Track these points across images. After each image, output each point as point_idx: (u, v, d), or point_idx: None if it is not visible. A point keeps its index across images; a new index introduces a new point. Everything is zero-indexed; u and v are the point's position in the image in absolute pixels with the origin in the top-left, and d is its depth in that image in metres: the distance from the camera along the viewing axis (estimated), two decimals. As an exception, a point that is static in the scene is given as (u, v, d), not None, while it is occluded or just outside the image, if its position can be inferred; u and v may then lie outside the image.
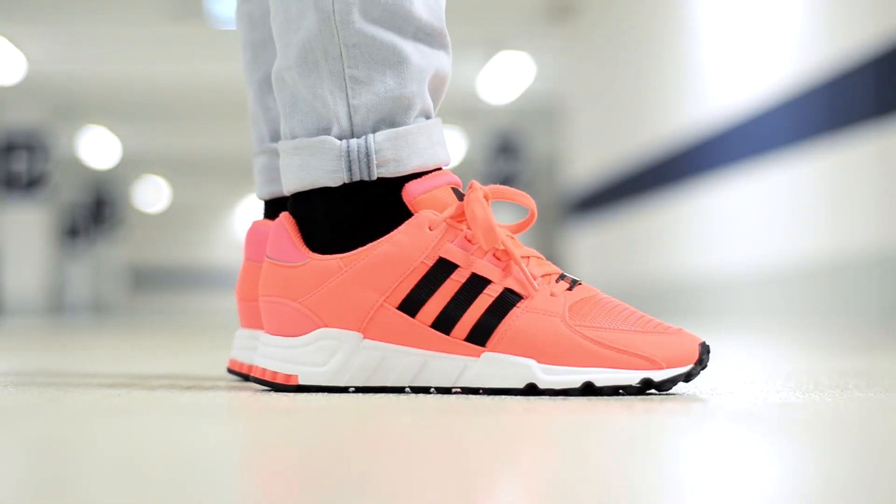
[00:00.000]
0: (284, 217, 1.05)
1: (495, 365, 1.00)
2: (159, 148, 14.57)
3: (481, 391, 1.01)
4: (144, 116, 12.38)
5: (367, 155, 1.03)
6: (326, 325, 1.02)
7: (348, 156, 1.03)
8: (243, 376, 1.18)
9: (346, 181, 1.03)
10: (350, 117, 1.04)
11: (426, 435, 0.68)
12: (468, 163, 16.20)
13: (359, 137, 1.03)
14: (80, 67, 10.07)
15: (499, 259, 1.03)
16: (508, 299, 1.01)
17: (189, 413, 0.82)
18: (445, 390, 1.01)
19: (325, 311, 1.02)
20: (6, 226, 11.35)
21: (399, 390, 1.02)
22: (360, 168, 1.03)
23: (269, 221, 1.20)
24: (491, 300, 1.01)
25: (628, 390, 0.98)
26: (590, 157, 7.91)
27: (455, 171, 19.42)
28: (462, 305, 1.01)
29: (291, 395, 0.99)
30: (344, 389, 1.02)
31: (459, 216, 1.03)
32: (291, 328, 1.02)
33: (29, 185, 11.28)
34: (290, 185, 1.05)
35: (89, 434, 0.68)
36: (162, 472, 0.51)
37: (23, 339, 2.92)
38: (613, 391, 0.98)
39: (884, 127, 4.13)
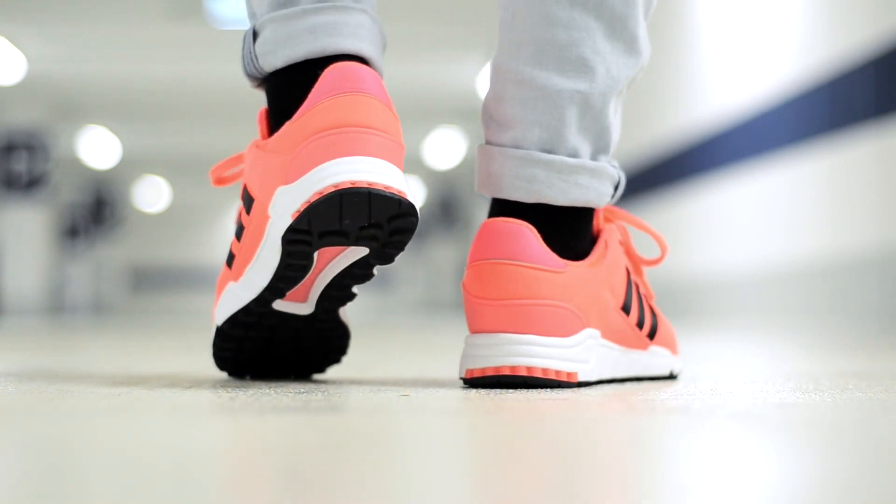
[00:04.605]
0: (528, 227, 1.08)
1: (656, 358, 1.17)
2: (159, 148, 14.56)
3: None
4: (144, 116, 12.38)
5: (622, 183, 1.13)
6: (588, 326, 1.08)
7: (618, 182, 1.13)
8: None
9: (607, 203, 1.13)
10: (613, 145, 1.13)
11: (426, 435, 0.68)
12: (468, 162, 16.20)
13: (613, 167, 1.13)
14: (80, 67, 10.07)
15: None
16: (643, 299, 1.17)
17: (190, 413, 0.82)
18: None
19: (585, 312, 1.08)
20: (6, 226, 11.35)
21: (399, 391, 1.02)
22: (617, 194, 1.14)
23: None
24: (639, 299, 1.16)
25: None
26: (590, 157, 7.90)
27: (455, 171, 19.28)
28: (641, 306, 1.15)
29: (291, 395, 0.98)
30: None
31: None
32: (565, 329, 1.06)
33: (29, 185, 11.28)
34: (559, 199, 1.10)
35: (90, 434, 0.68)
36: (163, 473, 0.51)
37: (23, 339, 2.92)
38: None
39: (884, 127, 4.13)
